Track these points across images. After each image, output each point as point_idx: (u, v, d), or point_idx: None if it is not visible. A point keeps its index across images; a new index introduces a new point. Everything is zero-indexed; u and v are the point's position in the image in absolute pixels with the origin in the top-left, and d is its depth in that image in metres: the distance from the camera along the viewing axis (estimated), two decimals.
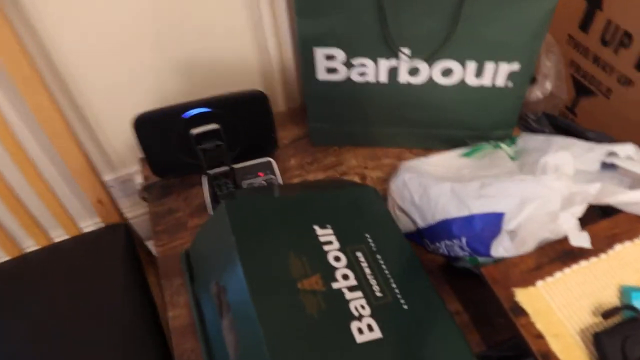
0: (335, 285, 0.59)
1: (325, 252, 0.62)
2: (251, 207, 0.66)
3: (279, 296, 0.57)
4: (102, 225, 0.98)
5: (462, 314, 0.73)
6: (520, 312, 0.51)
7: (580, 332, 0.49)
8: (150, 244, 1.03)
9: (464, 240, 0.60)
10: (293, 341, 0.52)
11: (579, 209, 0.52)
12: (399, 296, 0.61)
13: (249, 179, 0.86)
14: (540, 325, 0.50)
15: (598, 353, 0.46)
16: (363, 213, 0.72)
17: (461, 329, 0.59)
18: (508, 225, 0.54)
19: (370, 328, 0.56)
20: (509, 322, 0.71)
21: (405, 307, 0.60)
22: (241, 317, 0.57)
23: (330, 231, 0.65)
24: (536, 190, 0.54)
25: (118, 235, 0.92)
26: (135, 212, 1.22)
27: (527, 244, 0.52)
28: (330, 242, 0.64)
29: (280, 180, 0.87)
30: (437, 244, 0.70)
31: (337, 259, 0.62)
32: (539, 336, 0.49)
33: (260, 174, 0.87)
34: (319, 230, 0.65)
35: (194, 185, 0.92)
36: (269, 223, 0.64)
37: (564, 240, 0.54)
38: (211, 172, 0.82)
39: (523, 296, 0.52)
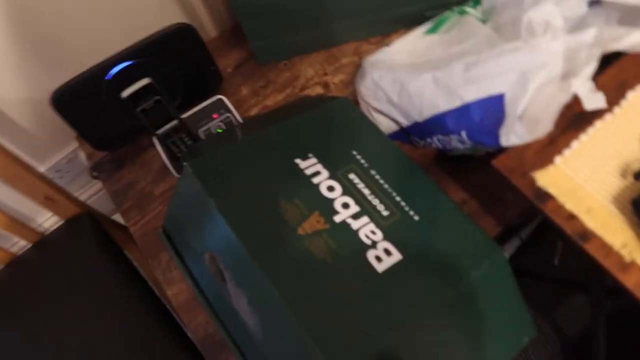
0: (337, 219, 0.54)
1: (317, 185, 0.56)
2: (218, 160, 0.58)
3: (283, 250, 0.52)
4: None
5: (469, 201, 0.69)
6: (546, 196, 0.46)
7: (614, 200, 0.45)
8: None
9: (463, 134, 0.54)
10: (315, 297, 0.48)
11: (590, 70, 0.45)
12: (406, 208, 0.56)
13: (205, 125, 0.77)
14: (570, 205, 0.45)
15: None
16: (342, 129, 0.64)
17: (472, 218, 0.55)
18: (514, 108, 0.47)
19: (387, 252, 0.51)
20: (521, 199, 0.68)
21: (416, 217, 0.55)
22: (249, 284, 0.51)
23: (314, 160, 0.58)
24: (535, 58, 0.46)
25: (82, 228, 0.83)
26: (95, 188, 1.12)
27: (543, 124, 0.46)
28: (318, 173, 0.57)
29: (238, 117, 0.78)
30: (429, 140, 0.63)
31: (330, 188, 0.56)
32: (571, 217, 0.45)
33: (215, 115, 0.77)
34: (302, 163, 0.58)
35: (147, 147, 0.82)
36: (243, 173, 0.57)
37: (573, 103, 0.48)
38: (160, 131, 0.72)
39: (545, 179, 0.47)
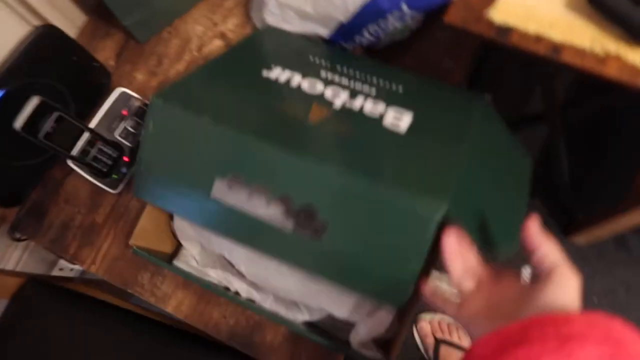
0: (336, 105, 0.51)
1: (297, 87, 0.53)
2: (186, 87, 0.52)
3: (311, 137, 0.47)
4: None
5: None
6: (507, 31, 0.46)
7: (568, 5, 0.46)
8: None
9: (404, 6, 0.51)
10: (370, 161, 0.45)
11: None
12: (387, 85, 0.55)
13: (118, 126, 0.67)
14: (533, 28, 0.45)
15: (602, 12, 0.44)
16: (283, 46, 0.62)
17: None
18: None
19: (398, 117, 0.49)
20: (463, 59, 0.69)
21: (400, 89, 0.55)
22: (294, 181, 0.44)
23: (279, 69, 0.56)
24: None
25: (34, 297, 0.71)
26: (20, 247, 0.96)
27: None
28: (290, 78, 0.54)
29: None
30: (358, 38, 0.61)
31: (311, 86, 0.53)
32: (538, 38, 0.45)
33: (124, 111, 0.68)
34: (270, 73, 0.54)
35: (64, 177, 0.71)
36: (219, 92, 0.52)
37: None
38: (75, 151, 0.62)
39: (499, 14, 0.46)
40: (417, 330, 1.07)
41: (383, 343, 0.54)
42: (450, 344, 1.02)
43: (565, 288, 0.33)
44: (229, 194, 0.46)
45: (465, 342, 1.02)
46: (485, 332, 0.33)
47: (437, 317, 1.07)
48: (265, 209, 0.45)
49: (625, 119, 0.96)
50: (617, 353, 0.29)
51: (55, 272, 0.92)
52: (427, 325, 1.06)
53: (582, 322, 0.30)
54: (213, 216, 0.48)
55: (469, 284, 0.40)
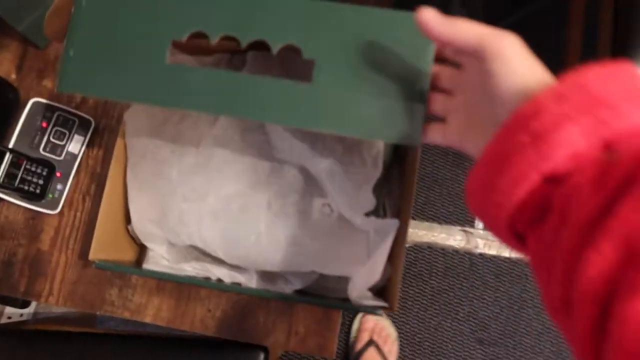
0: None
1: None
2: None
3: None
4: None
5: None
6: None
7: None
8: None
9: None
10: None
11: None
12: None
13: (41, 141, 0.61)
14: None
15: None
16: None
17: None
18: None
19: None
20: None
21: None
22: (273, 20, 0.38)
23: None
24: None
25: None
26: None
27: None
28: None
29: (72, 110, 0.63)
30: None
31: None
32: None
33: (44, 123, 0.61)
34: None
35: None
36: None
37: None
38: None
39: None
40: (361, 320, 1.08)
41: (377, 292, 0.53)
42: (379, 351, 1.03)
43: (510, 60, 0.28)
44: (192, 55, 0.40)
45: (392, 358, 1.06)
46: (478, 146, 0.30)
47: (383, 323, 1.08)
48: (239, 62, 0.39)
49: (548, 26, 1.00)
50: (600, 120, 0.24)
51: (4, 321, 0.84)
52: (371, 323, 1.07)
53: (551, 104, 0.25)
54: (173, 88, 0.39)
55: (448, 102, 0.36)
